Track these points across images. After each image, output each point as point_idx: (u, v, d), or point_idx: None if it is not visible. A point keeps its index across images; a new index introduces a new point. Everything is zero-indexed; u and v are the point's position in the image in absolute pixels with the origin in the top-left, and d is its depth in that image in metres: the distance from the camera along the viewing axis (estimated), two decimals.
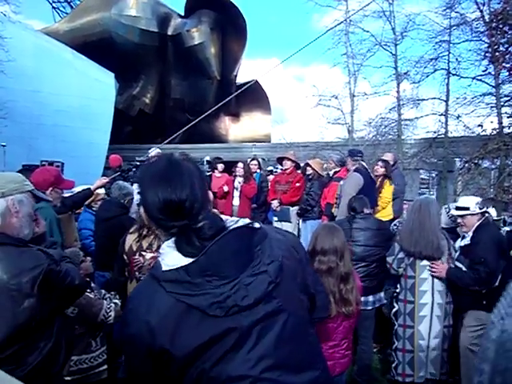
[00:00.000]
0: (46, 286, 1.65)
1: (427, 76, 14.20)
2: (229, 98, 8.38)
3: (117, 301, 2.84)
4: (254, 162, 7.37)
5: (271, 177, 7.52)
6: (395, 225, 4.44)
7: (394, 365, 3.53)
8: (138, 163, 7.06)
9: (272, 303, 1.14)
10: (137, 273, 2.95)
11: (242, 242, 1.16)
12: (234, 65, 21.20)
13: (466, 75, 13.42)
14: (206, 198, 1.21)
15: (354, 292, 2.62)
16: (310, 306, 1.36)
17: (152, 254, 2.81)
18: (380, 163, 5.90)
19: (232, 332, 1.09)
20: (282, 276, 1.17)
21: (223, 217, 1.26)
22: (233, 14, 19.31)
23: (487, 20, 12.44)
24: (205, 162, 12.17)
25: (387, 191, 5.72)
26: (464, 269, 3.40)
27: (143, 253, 2.88)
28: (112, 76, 15.04)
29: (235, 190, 6.66)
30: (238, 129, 22.62)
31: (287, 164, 6.59)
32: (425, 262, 3.42)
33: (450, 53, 13.86)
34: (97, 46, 16.72)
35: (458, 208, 3.63)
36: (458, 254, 3.53)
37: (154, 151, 7.00)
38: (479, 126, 12.58)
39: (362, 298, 3.10)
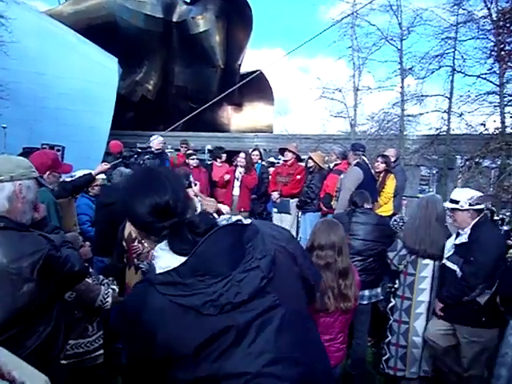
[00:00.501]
0: (45, 271, 1.66)
1: (432, 72, 14.06)
2: (233, 88, 8.30)
3: (114, 287, 2.86)
4: (256, 152, 7.38)
5: (272, 169, 7.51)
6: (395, 220, 4.44)
7: (384, 358, 3.56)
8: (139, 150, 7.06)
9: (267, 298, 1.15)
10: (135, 260, 2.97)
11: (233, 239, 1.18)
12: (239, 54, 21.00)
13: (471, 73, 13.30)
14: (188, 197, 1.30)
15: (353, 288, 2.62)
16: (309, 298, 1.38)
17: None
18: (380, 159, 5.88)
19: (229, 329, 1.10)
20: (275, 270, 1.18)
21: (215, 216, 1.29)
22: (239, 3, 19.10)
23: (494, 18, 12.31)
24: (206, 151, 12.18)
25: (390, 186, 5.70)
26: (457, 270, 3.20)
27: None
28: (115, 61, 14.87)
29: (236, 180, 6.68)
30: (241, 118, 22.49)
31: (288, 155, 6.61)
32: (427, 261, 3.39)
33: (455, 50, 13.75)
34: (101, 29, 16.51)
35: (451, 201, 3.33)
36: (451, 253, 3.30)
37: (156, 139, 7.00)
38: (482, 124, 12.50)
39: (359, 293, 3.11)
